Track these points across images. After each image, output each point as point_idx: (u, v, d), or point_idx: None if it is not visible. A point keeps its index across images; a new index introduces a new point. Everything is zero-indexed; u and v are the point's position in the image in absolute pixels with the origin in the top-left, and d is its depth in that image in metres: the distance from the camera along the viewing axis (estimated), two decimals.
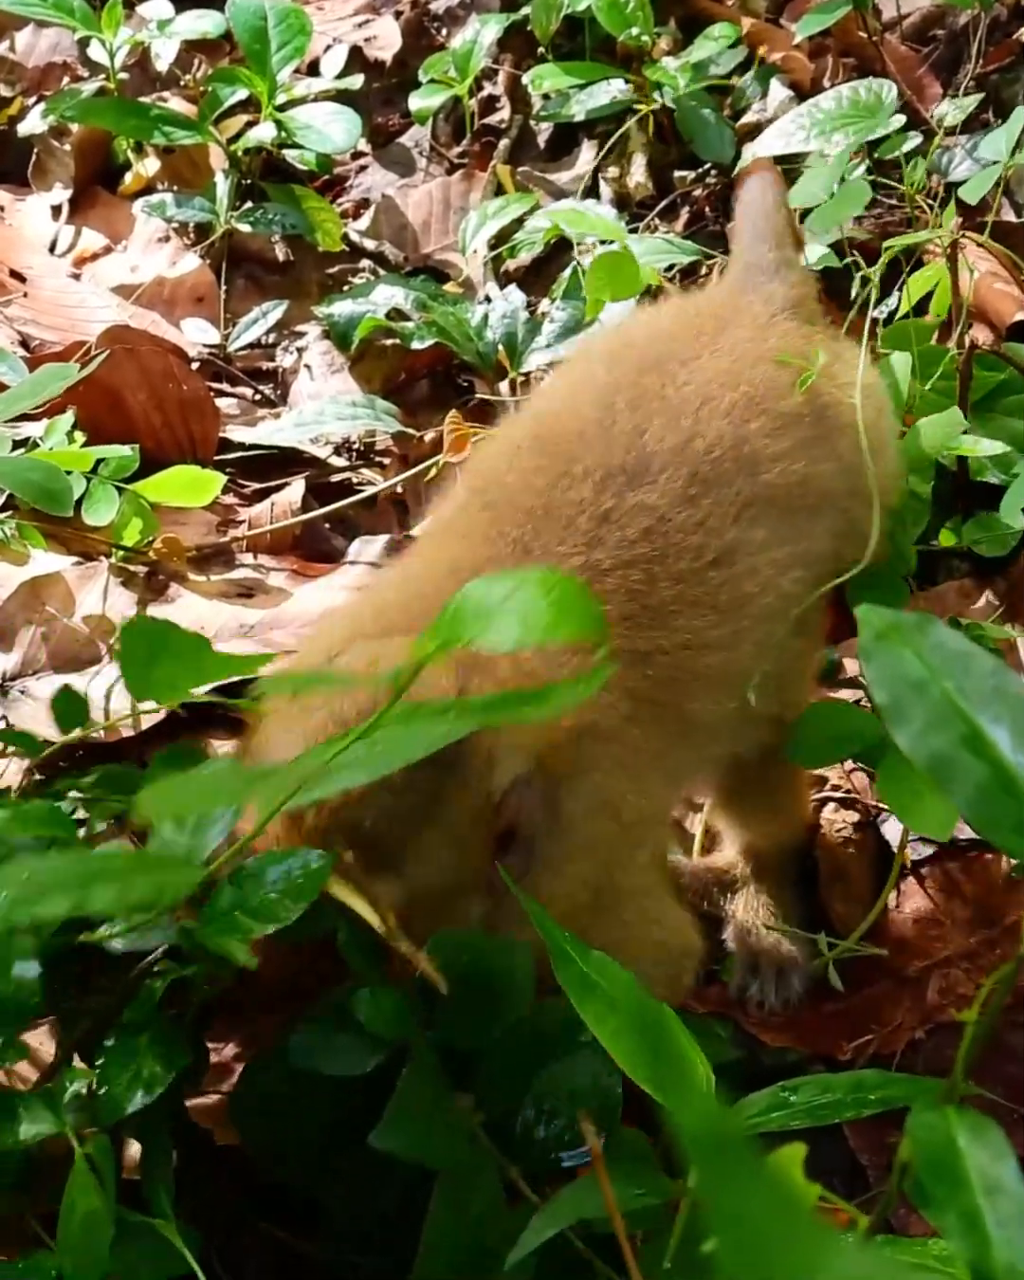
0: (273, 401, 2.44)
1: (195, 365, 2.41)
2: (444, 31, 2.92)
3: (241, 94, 2.63)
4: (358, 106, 2.65)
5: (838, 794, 1.73)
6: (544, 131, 2.74)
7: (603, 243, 2.23)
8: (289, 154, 2.67)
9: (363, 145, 2.79)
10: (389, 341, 2.39)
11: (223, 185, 2.60)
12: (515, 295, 2.36)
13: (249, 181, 2.66)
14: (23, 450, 1.98)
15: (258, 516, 2.14)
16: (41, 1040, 1.25)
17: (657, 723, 1.33)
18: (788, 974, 1.60)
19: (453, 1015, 1.14)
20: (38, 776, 1.62)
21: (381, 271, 2.60)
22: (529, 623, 0.87)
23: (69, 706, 1.39)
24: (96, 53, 2.78)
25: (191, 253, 2.61)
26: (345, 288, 2.56)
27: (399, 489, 2.20)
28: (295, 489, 2.19)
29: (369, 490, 2.22)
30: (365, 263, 2.63)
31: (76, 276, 2.59)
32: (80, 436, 2.01)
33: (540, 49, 2.72)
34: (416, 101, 2.70)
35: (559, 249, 2.49)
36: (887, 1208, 0.89)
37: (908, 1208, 1.28)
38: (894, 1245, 1.01)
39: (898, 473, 1.66)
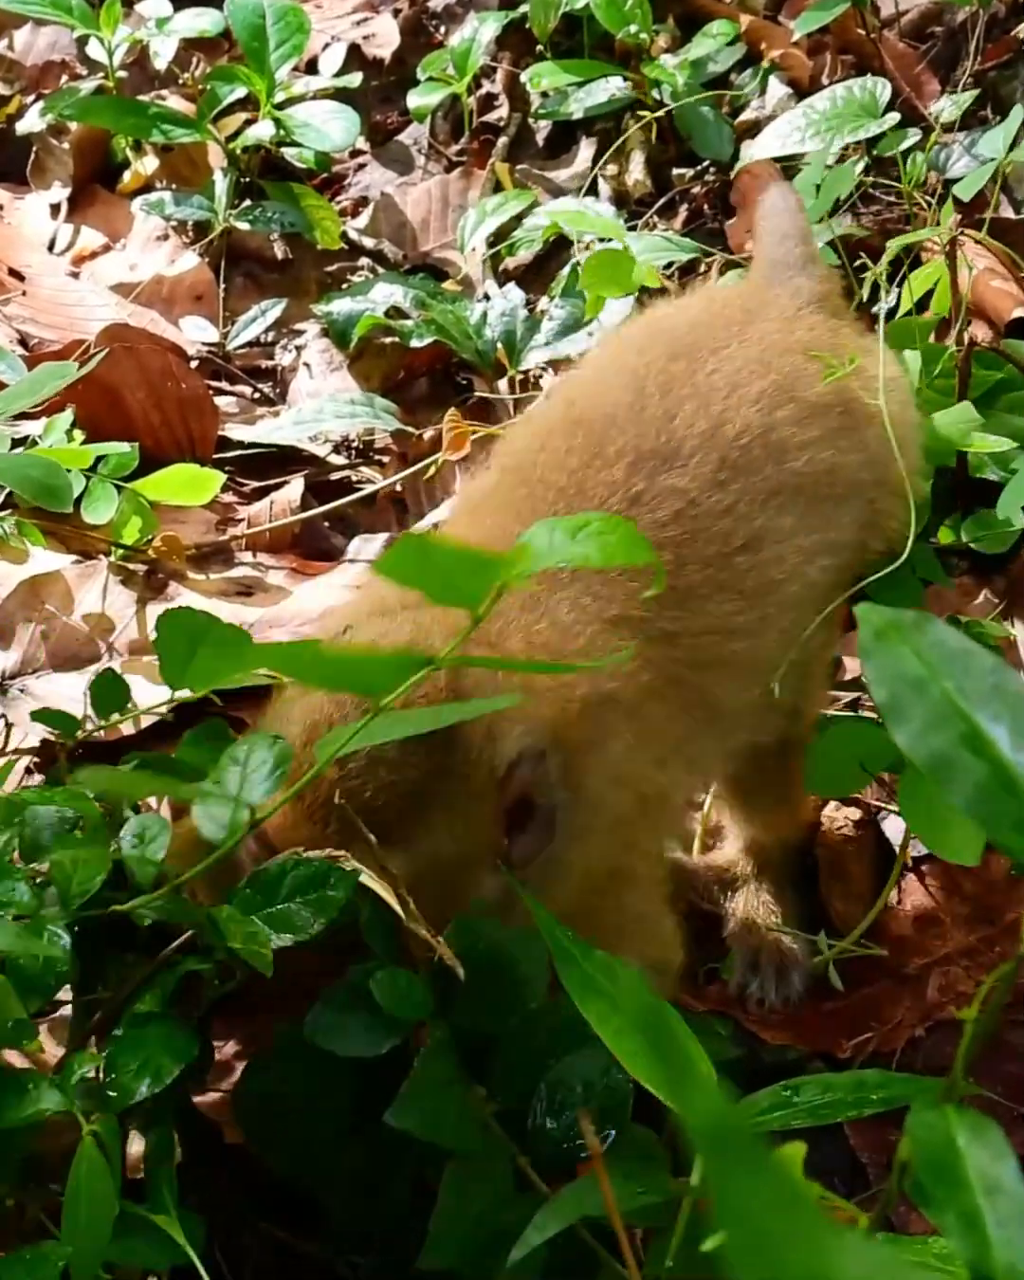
0: (272, 400, 2.44)
1: (194, 363, 2.41)
2: (442, 29, 2.92)
3: (240, 92, 2.63)
4: (356, 104, 2.65)
5: None
6: (543, 129, 2.74)
7: (602, 240, 2.23)
8: (287, 152, 2.66)
9: (361, 143, 2.79)
10: (388, 339, 2.39)
11: (221, 183, 2.60)
12: (514, 293, 2.36)
13: (247, 179, 2.66)
14: (22, 448, 1.98)
15: (257, 515, 2.14)
16: (43, 1040, 1.25)
17: (681, 705, 1.35)
18: (788, 972, 1.60)
19: (469, 1002, 1.14)
20: (39, 777, 1.63)
21: (380, 269, 2.60)
22: (598, 548, 0.99)
23: (109, 690, 1.39)
24: (95, 51, 2.78)
25: (190, 251, 2.61)
26: (344, 286, 2.56)
27: (398, 487, 2.20)
28: (294, 487, 2.19)
29: (368, 488, 2.22)
30: (364, 261, 2.63)
31: (75, 275, 2.58)
32: (79, 435, 2.01)
33: (539, 47, 2.72)
34: (415, 99, 2.70)
35: (558, 247, 2.49)
36: (887, 1206, 0.89)
37: (908, 1206, 1.28)
38: (895, 1243, 1.01)
39: (922, 467, 1.66)
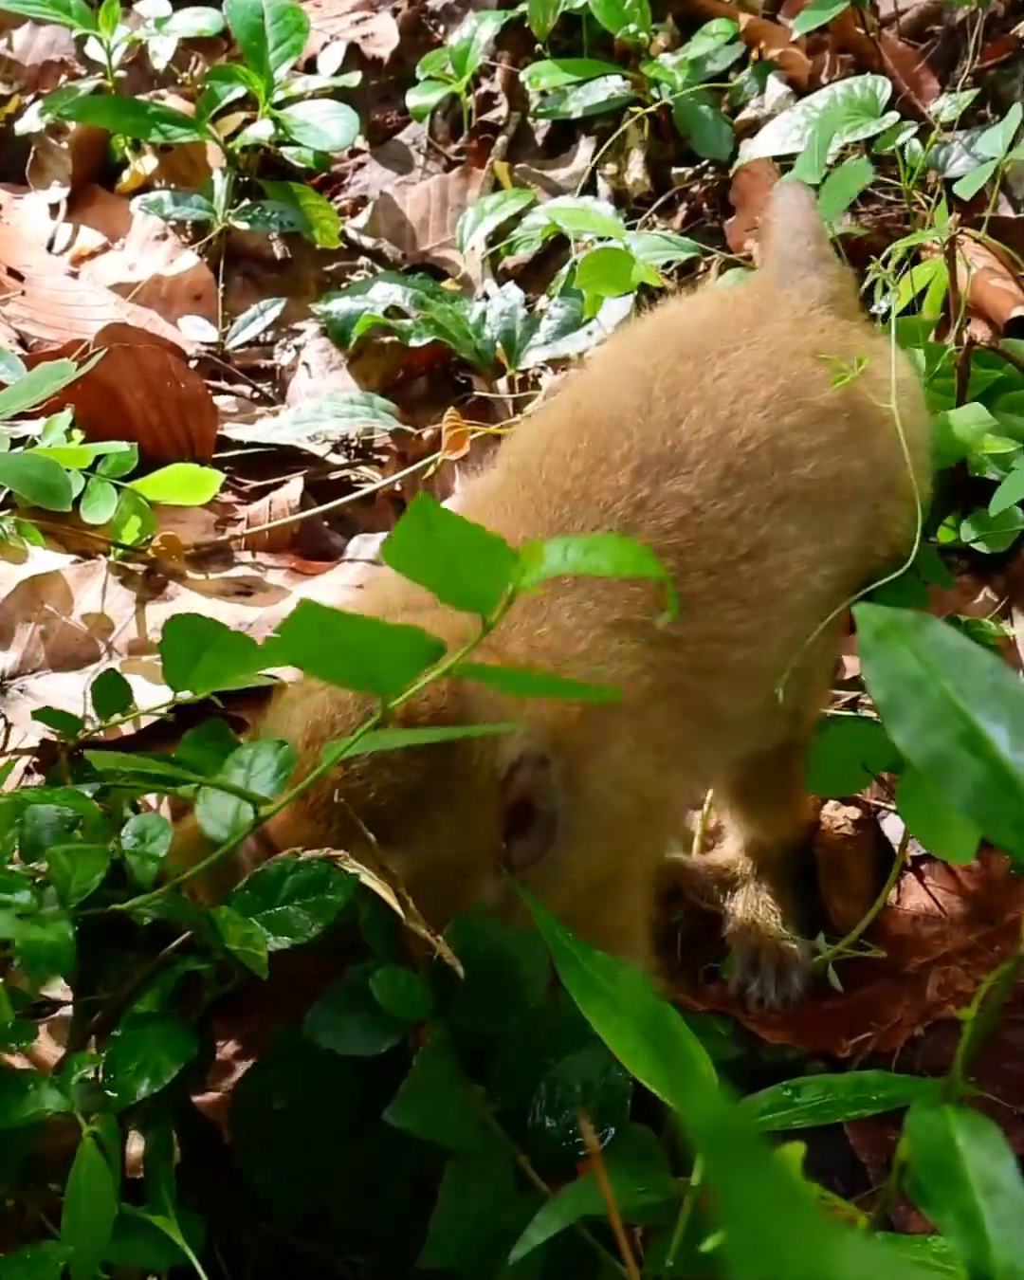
0: (271, 399, 2.44)
1: (193, 363, 2.41)
2: (441, 28, 2.92)
3: (239, 91, 2.62)
4: (355, 104, 2.65)
5: None
6: (542, 128, 2.74)
7: (600, 239, 2.23)
8: (287, 151, 2.66)
9: (360, 142, 2.79)
10: (387, 339, 2.39)
11: (220, 183, 2.60)
12: (513, 292, 2.36)
13: (247, 179, 2.66)
14: (21, 448, 1.98)
15: (256, 514, 2.14)
16: (43, 1038, 1.25)
17: (682, 711, 1.34)
18: (788, 971, 1.60)
19: (468, 1002, 1.14)
20: (39, 777, 1.62)
21: (379, 269, 2.60)
22: (609, 558, 1.00)
23: (110, 690, 1.39)
24: (94, 51, 2.78)
25: (189, 250, 2.61)
26: (343, 285, 2.56)
27: (397, 486, 2.20)
28: (294, 487, 2.19)
29: (367, 488, 2.22)
30: (363, 260, 2.63)
31: (74, 274, 2.58)
32: (78, 434, 2.01)
33: (538, 46, 2.72)
34: (414, 99, 2.70)
35: (557, 246, 2.49)
36: (886, 1206, 0.89)
37: (908, 1205, 1.28)
38: (895, 1243, 1.01)
39: (930, 470, 1.66)
